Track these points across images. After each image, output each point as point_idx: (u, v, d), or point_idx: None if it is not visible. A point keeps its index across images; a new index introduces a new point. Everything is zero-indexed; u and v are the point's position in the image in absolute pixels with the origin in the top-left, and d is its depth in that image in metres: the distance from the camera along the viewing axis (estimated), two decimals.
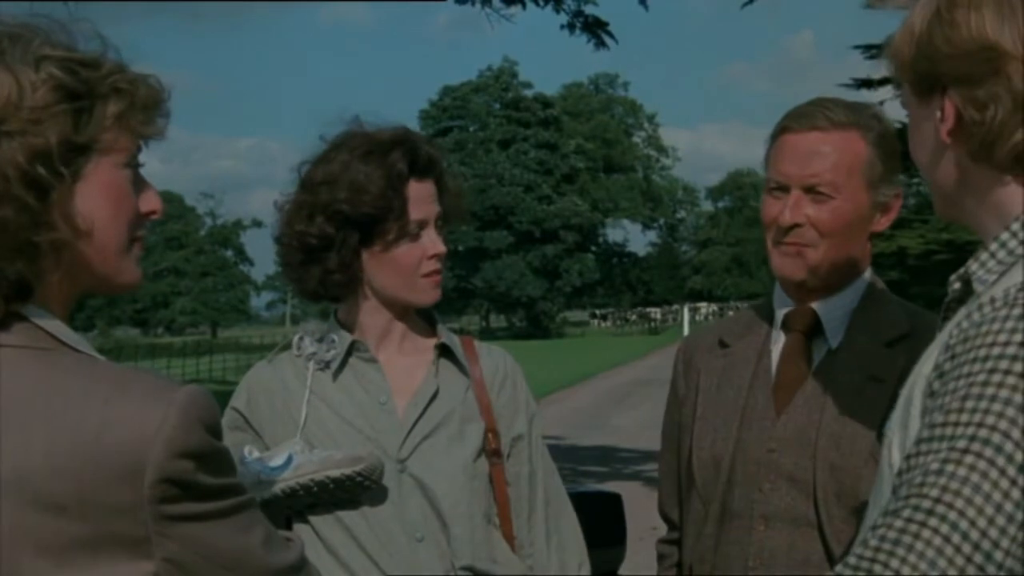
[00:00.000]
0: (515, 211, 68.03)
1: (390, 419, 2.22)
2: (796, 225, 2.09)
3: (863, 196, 2.09)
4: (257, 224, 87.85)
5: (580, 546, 2.35)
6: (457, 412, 2.25)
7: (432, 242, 2.22)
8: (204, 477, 1.30)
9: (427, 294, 2.25)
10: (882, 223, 2.14)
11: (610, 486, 7.02)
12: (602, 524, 2.65)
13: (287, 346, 2.31)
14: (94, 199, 1.37)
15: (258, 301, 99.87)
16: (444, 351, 2.30)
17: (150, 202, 1.45)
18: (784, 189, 2.11)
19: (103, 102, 1.36)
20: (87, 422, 1.28)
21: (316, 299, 2.29)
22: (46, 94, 1.32)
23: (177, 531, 1.29)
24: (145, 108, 1.40)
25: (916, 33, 1.41)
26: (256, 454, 2.18)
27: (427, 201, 2.23)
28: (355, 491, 2.14)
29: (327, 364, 2.25)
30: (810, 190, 2.08)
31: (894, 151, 2.10)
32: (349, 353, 2.26)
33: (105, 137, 1.37)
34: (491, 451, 2.25)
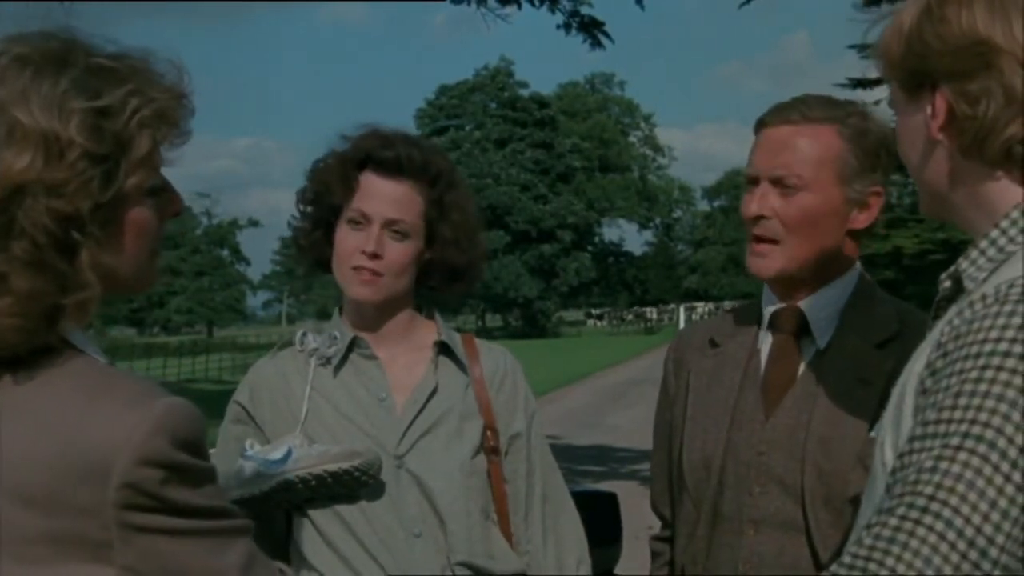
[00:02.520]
0: (511, 211, 67.99)
1: (389, 415, 2.23)
2: (762, 217, 2.07)
3: (834, 190, 2.06)
4: (253, 224, 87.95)
5: (580, 544, 2.36)
6: (456, 409, 2.26)
7: (371, 239, 2.22)
8: (172, 491, 1.27)
9: (354, 288, 2.25)
10: (861, 220, 2.10)
11: (606, 485, 7.02)
12: (598, 523, 2.65)
13: (289, 342, 2.33)
14: (121, 239, 1.37)
15: (254, 300, 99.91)
16: (443, 348, 2.31)
17: (172, 206, 1.44)
18: (755, 182, 2.10)
19: (128, 152, 1.34)
20: (67, 419, 1.28)
21: (318, 264, 2.34)
22: (74, 162, 1.30)
23: (139, 541, 1.27)
24: (171, 135, 1.39)
25: (906, 30, 1.41)
26: (257, 447, 2.19)
27: (382, 199, 2.24)
28: (352, 486, 2.15)
29: (328, 360, 2.26)
30: (777, 182, 2.07)
31: (875, 148, 2.08)
32: (350, 349, 2.28)
33: (131, 182, 1.35)
34: (489, 448, 2.26)
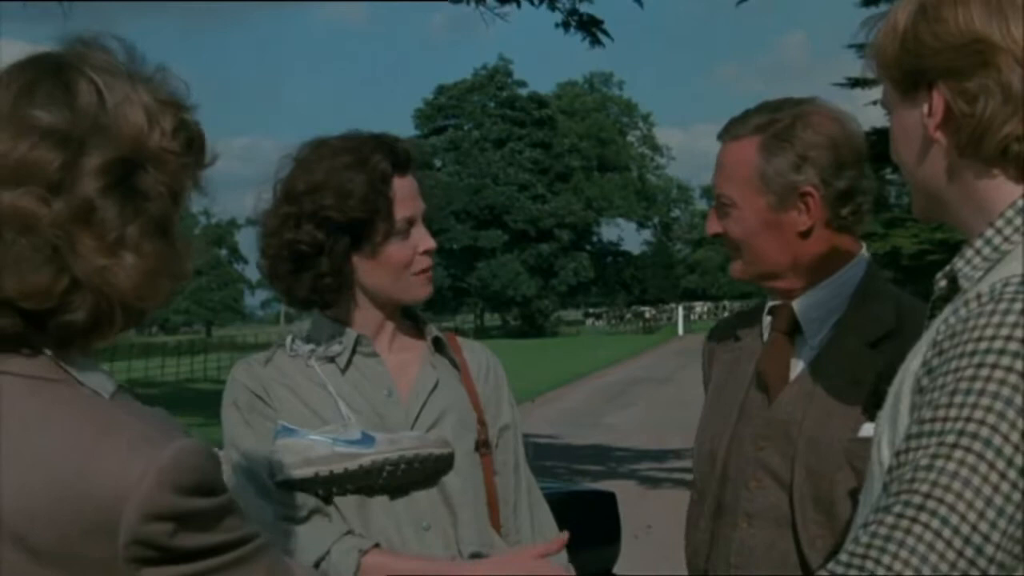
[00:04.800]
0: (510, 210, 68.03)
1: (397, 410, 2.25)
2: (718, 234, 2.17)
3: (758, 200, 2.10)
4: (252, 223, 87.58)
5: (556, 534, 2.37)
6: (456, 403, 2.29)
7: (422, 238, 2.25)
8: (185, 538, 1.22)
9: (419, 290, 2.27)
10: (803, 222, 2.10)
11: (605, 485, 7.02)
12: (597, 523, 2.67)
13: (281, 345, 2.32)
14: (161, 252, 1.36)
15: (252, 300, 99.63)
16: (438, 345, 2.34)
17: None
18: None
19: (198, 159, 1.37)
20: (68, 468, 1.22)
21: (307, 306, 2.29)
22: (174, 148, 1.31)
23: None
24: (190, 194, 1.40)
25: (900, 30, 1.42)
26: (299, 428, 2.17)
27: (412, 197, 2.25)
28: (426, 474, 2.19)
29: (332, 359, 2.27)
30: (717, 201, 2.17)
31: (803, 150, 2.08)
32: (353, 348, 2.28)
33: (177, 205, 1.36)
34: (481, 441, 2.29)
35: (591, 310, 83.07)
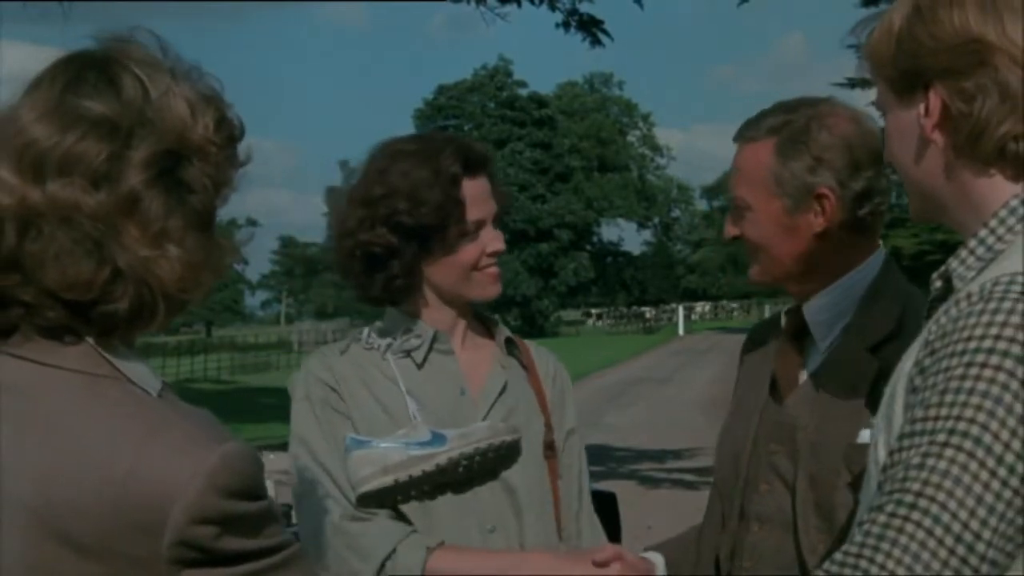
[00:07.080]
0: (509, 210, 67.83)
1: (469, 409, 2.27)
2: (736, 237, 2.16)
3: (774, 203, 2.07)
4: (252, 223, 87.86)
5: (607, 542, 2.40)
6: (524, 404, 2.31)
7: (491, 239, 2.28)
8: (229, 541, 1.23)
9: (487, 289, 2.30)
10: (819, 223, 2.06)
11: (605, 485, 7.01)
12: None
13: (352, 339, 2.34)
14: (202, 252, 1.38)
15: (252, 300, 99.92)
16: (509, 347, 2.36)
17: None
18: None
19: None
20: (117, 465, 1.23)
21: (379, 304, 2.32)
22: (222, 138, 1.34)
23: None
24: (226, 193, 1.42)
25: (896, 31, 1.43)
26: (370, 437, 2.17)
27: (483, 199, 2.28)
28: (499, 462, 2.21)
29: (408, 354, 2.28)
30: (733, 204, 2.15)
31: (818, 152, 2.06)
32: (431, 344, 2.30)
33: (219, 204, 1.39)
34: (547, 444, 2.31)
35: (591, 310, 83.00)
